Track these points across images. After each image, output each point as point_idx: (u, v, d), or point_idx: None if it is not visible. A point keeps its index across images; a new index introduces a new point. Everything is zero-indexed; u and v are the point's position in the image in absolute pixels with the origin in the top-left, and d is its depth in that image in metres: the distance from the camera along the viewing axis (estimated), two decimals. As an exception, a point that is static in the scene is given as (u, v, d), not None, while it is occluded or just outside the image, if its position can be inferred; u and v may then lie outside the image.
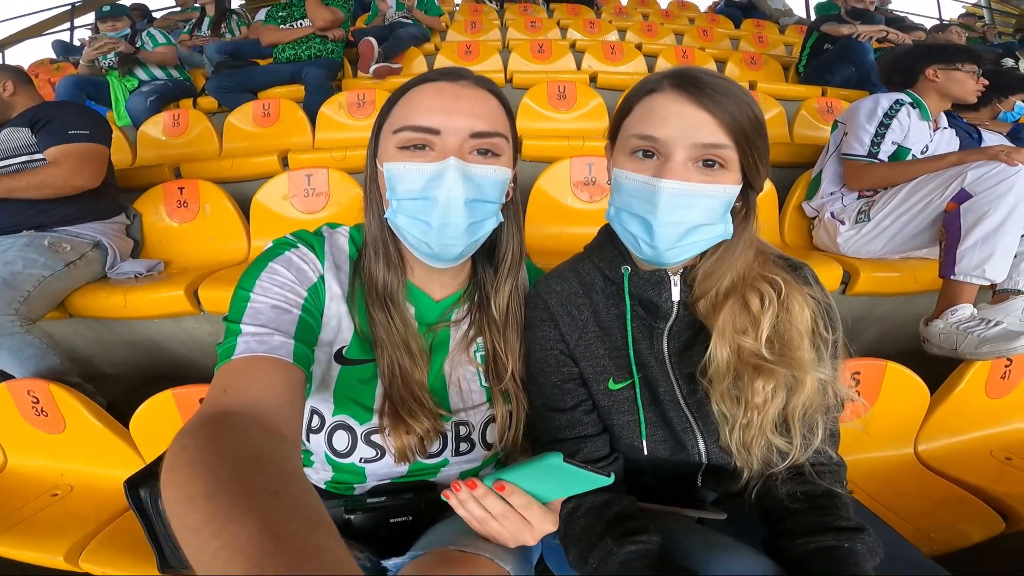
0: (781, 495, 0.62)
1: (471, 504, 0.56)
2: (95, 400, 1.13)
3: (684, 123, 0.55)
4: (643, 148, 0.58)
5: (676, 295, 0.64)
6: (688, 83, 0.56)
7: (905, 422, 1.12)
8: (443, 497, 0.58)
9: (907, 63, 1.57)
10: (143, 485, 0.64)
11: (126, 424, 1.05)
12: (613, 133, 0.65)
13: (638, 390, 0.66)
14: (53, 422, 1.08)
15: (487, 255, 0.72)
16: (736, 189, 0.58)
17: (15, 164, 1.47)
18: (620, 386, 0.67)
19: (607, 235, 0.70)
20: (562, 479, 0.55)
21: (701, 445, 0.65)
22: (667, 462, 0.67)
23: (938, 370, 1.15)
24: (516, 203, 0.71)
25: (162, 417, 1.00)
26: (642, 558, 0.56)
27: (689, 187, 0.56)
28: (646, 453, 0.66)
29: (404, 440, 0.64)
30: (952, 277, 1.24)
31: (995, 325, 1.14)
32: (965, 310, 1.21)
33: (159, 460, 0.67)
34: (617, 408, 0.67)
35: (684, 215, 0.57)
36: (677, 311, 0.65)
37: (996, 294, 1.28)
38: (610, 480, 0.53)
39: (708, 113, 0.55)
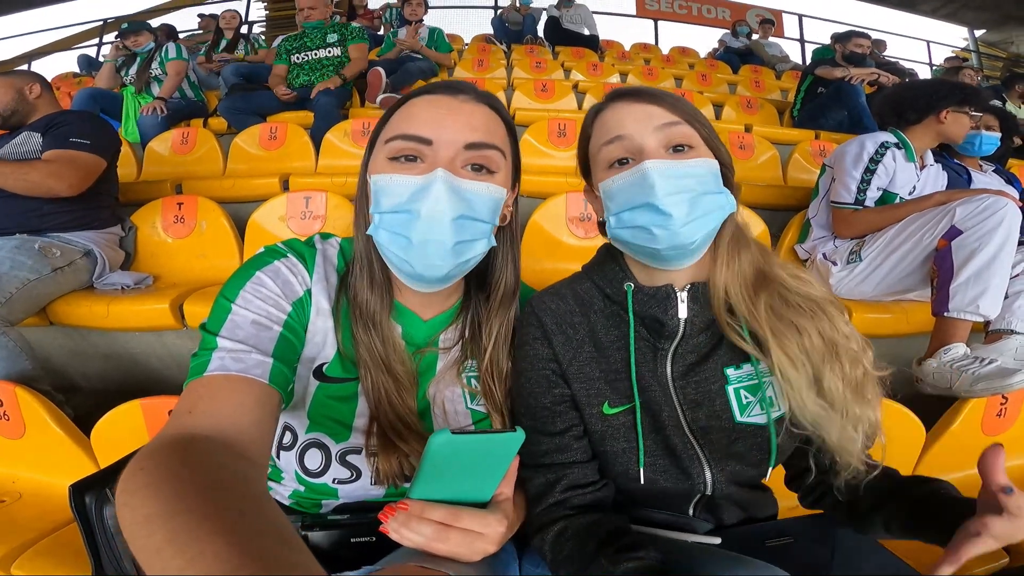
0: (865, 483, 0.61)
1: (403, 531, 0.51)
2: (63, 410, 1.09)
3: (639, 118, 0.60)
4: (617, 157, 0.61)
5: (683, 312, 0.62)
6: (627, 92, 0.63)
7: (901, 459, 1.09)
8: (381, 530, 0.53)
9: (928, 102, 1.57)
10: (89, 491, 0.61)
11: (89, 435, 1.01)
12: (584, 164, 0.68)
13: (639, 415, 0.62)
14: (13, 427, 1.05)
15: (480, 281, 0.70)
16: (714, 163, 0.61)
17: None
18: (617, 411, 0.64)
19: (607, 253, 0.69)
20: (472, 460, 0.50)
21: (708, 475, 0.62)
22: (665, 492, 0.64)
23: (931, 410, 1.12)
24: (514, 230, 0.69)
25: (127, 428, 0.97)
26: (643, 575, 0.52)
27: (672, 163, 0.58)
28: (643, 482, 0.62)
29: (393, 465, 0.61)
30: (946, 314, 1.22)
31: (989, 363, 1.12)
32: (959, 349, 1.19)
33: (109, 467, 0.65)
34: (612, 434, 0.63)
35: (682, 185, 0.58)
36: (683, 330, 0.63)
37: (989, 334, 1.27)
38: (521, 435, 0.49)
39: (654, 105, 0.60)
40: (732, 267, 0.61)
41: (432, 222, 0.56)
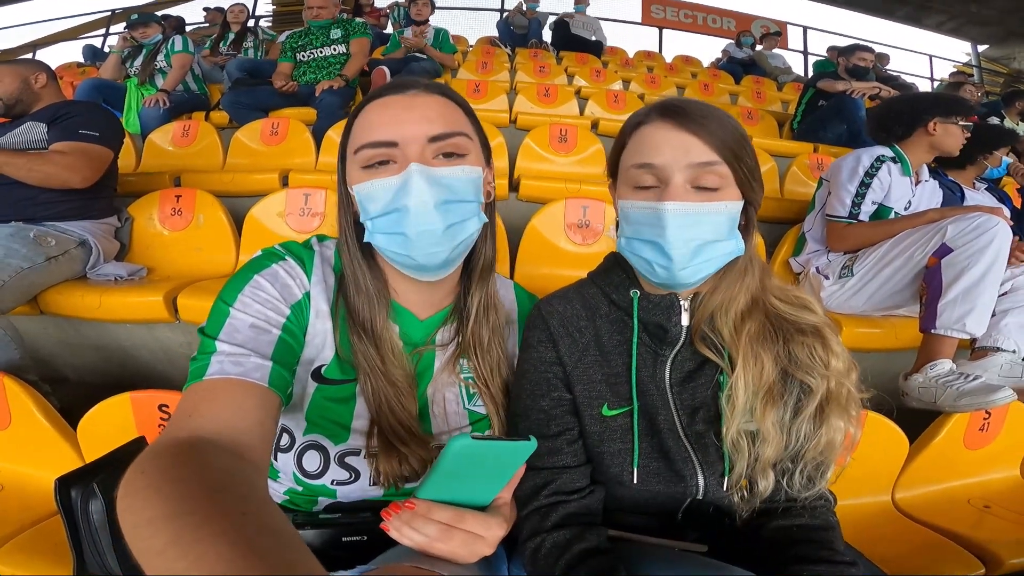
0: (777, 526, 0.62)
1: (406, 530, 0.51)
2: (49, 401, 1.08)
3: (676, 147, 0.59)
4: (643, 181, 0.61)
5: (685, 320, 0.64)
6: (673, 111, 0.60)
7: (883, 470, 1.11)
8: (382, 527, 0.53)
9: (912, 116, 1.56)
10: (75, 485, 0.61)
11: (75, 428, 1.00)
12: (613, 168, 0.68)
13: (635, 417, 0.64)
14: (-1, 417, 1.04)
15: (466, 266, 0.71)
16: (738, 205, 0.60)
17: None
18: (615, 413, 0.65)
19: (614, 261, 0.71)
20: (484, 465, 0.51)
21: (700, 479, 0.63)
22: (657, 495, 0.65)
23: (915, 422, 1.14)
24: (492, 207, 0.71)
25: (115, 421, 0.96)
26: None
27: (692, 207, 0.58)
28: (636, 481, 0.63)
29: (394, 466, 0.62)
30: (933, 331, 1.24)
31: (974, 379, 1.13)
32: (944, 365, 1.20)
33: (96, 461, 0.65)
34: (609, 436, 0.65)
35: (693, 233, 0.59)
36: (685, 338, 0.65)
37: (975, 351, 1.28)
38: (533, 444, 0.50)
39: (695, 136, 0.58)
40: (728, 293, 0.63)
41: (421, 213, 0.58)
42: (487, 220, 0.66)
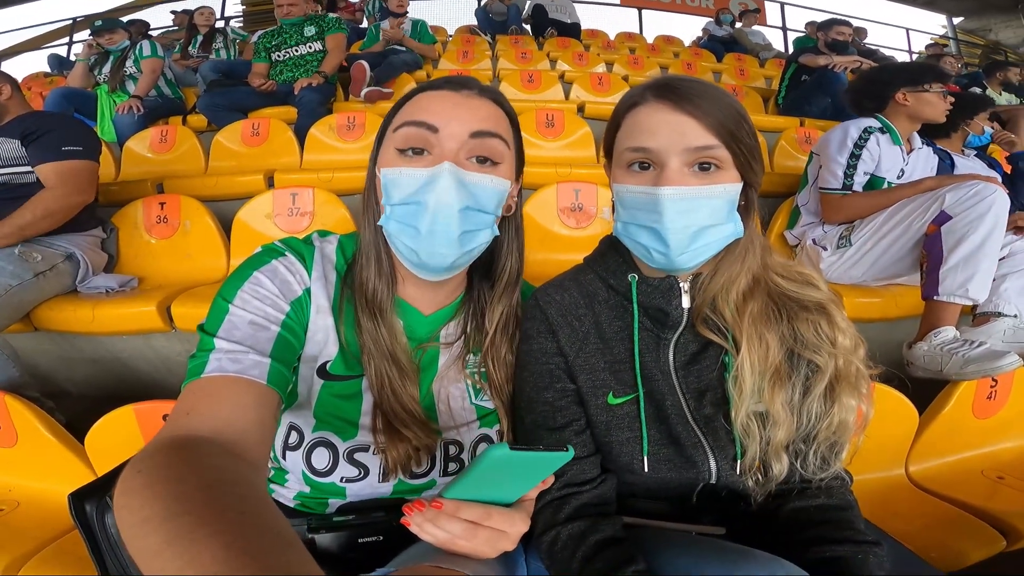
0: (794, 508, 0.62)
1: (429, 527, 0.50)
2: (54, 417, 1.07)
3: (671, 130, 0.57)
4: (638, 160, 0.59)
5: (686, 302, 0.63)
6: (669, 92, 0.58)
7: (895, 444, 1.11)
8: (403, 523, 0.53)
9: (877, 89, 1.58)
10: (89, 499, 0.60)
11: (82, 441, 0.99)
12: (608, 149, 0.66)
13: (642, 404, 0.63)
14: (5, 435, 1.03)
15: (484, 271, 0.71)
16: (736, 187, 0.59)
17: (2, 175, 1.45)
18: (621, 401, 0.64)
19: (610, 245, 0.70)
20: (517, 471, 0.51)
21: (712, 464, 0.62)
22: (669, 482, 0.64)
23: (923, 394, 1.14)
24: (518, 219, 0.71)
25: (121, 433, 0.95)
26: None
27: (688, 191, 0.57)
28: (647, 470, 0.62)
29: (401, 453, 0.61)
30: (936, 298, 1.25)
31: (979, 345, 1.14)
32: (948, 332, 1.22)
33: (108, 474, 0.64)
34: (616, 424, 0.64)
35: (690, 219, 0.57)
36: (686, 320, 0.64)
37: (977, 317, 1.30)
38: (569, 454, 0.49)
39: (692, 118, 0.56)
40: (728, 275, 0.62)
41: (439, 213, 0.58)
42: (501, 234, 0.66)
